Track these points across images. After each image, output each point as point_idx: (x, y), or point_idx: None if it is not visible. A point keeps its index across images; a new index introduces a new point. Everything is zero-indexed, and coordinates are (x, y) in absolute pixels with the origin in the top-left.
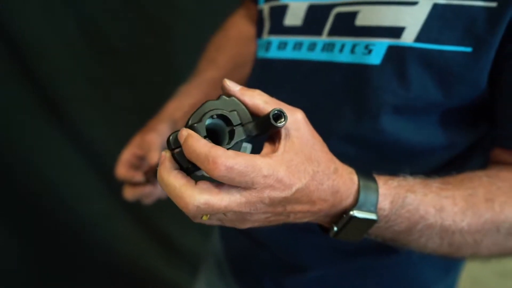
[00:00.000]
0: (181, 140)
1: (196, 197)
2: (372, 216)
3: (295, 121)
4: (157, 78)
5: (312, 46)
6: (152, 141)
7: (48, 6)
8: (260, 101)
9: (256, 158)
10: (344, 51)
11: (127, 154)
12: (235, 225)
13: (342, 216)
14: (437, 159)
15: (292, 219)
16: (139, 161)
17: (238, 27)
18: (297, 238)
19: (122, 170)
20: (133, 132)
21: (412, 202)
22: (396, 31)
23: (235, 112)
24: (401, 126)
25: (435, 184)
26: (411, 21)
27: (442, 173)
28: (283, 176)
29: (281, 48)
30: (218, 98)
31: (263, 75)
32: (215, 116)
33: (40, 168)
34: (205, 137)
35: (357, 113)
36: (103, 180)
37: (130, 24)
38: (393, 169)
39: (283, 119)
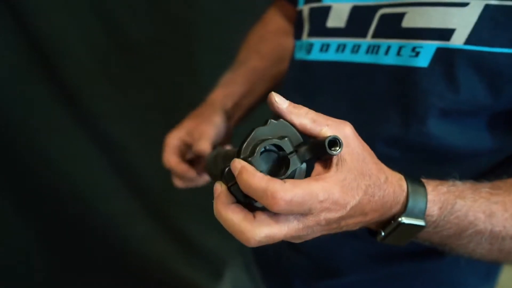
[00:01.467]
0: (235, 173)
1: (256, 232)
2: (420, 222)
3: (345, 137)
4: (179, 77)
5: (356, 48)
6: (206, 131)
7: (71, 4)
8: (307, 120)
9: (311, 185)
10: (390, 53)
11: (175, 139)
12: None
13: (390, 222)
14: (483, 162)
15: (344, 229)
16: (186, 148)
17: (277, 21)
18: (337, 243)
19: (172, 159)
20: (154, 131)
21: (461, 208)
22: (446, 33)
23: (287, 139)
24: (447, 129)
25: (484, 189)
26: (461, 22)
27: (489, 176)
28: (338, 198)
29: (323, 50)
30: (266, 123)
31: (304, 77)
32: (268, 147)
33: (61, 167)
34: (260, 171)
35: (403, 116)
36: (124, 179)
37: (152, 22)
38: (438, 172)
39: (338, 147)
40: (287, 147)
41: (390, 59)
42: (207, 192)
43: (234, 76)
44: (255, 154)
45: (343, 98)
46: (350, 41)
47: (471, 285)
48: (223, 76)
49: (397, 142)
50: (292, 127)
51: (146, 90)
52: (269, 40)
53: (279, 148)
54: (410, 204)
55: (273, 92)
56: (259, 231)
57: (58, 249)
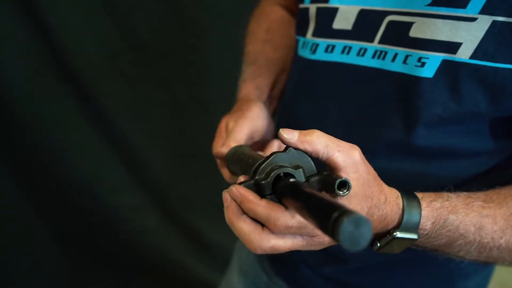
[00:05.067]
0: (236, 199)
1: (263, 243)
2: (413, 236)
3: (354, 163)
4: (188, 74)
5: (362, 52)
6: (240, 130)
7: (83, 2)
8: (321, 146)
9: None
10: (397, 60)
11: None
12: None
13: (386, 236)
14: (482, 162)
15: None
16: None
17: (277, 11)
18: None
19: (226, 173)
20: (165, 127)
21: (453, 223)
22: (452, 46)
23: (301, 170)
24: (448, 134)
25: (477, 202)
26: (468, 37)
27: (486, 176)
28: None
29: (328, 51)
30: (286, 149)
31: (309, 76)
32: (281, 174)
33: (72, 161)
34: (270, 194)
35: (406, 123)
36: (134, 174)
37: (163, 21)
38: (437, 171)
39: (346, 190)
40: (300, 177)
41: (396, 66)
42: (215, 187)
43: (256, 69)
44: (268, 179)
45: (347, 100)
46: (356, 44)
47: (469, 270)
48: (244, 71)
49: (399, 145)
50: (308, 157)
51: (156, 86)
52: (277, 31)
53: (292, 176)
54: (404, 220)
55: (280, 130)
56: (266, 242)
57: (66, 241)
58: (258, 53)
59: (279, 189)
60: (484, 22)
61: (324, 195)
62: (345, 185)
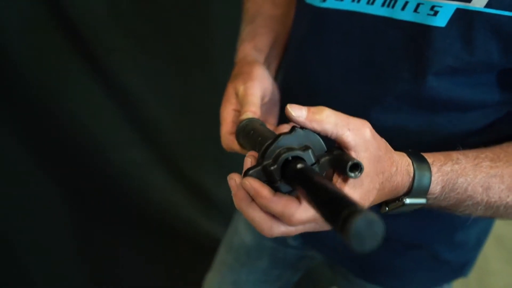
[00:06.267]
0: (250, 192)
1: (274, 229)
2: (422, 200)
3: (364, 142)
4: (192, 28)
5: (371, 0)
6: (249, 93)
7: None
8: (330, 125)
9: None
10: (407, 9)
11: (229, 115)
12: None
13: (395, 201)
14: (490, 113)
15: None
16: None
17: None
18: None
19: (230, 141)
20: (168, 82)
21: (461, 185)
22: None
23: (310, 152)
24: (457, 85)
25: (485, 162)
26: None
27: (493, 129)
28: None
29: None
30: (292, 130)
31: (317, 24)
32: (290, 158)
33: (76, 116)
34: (279, 180)
35: (415, 73)
36: (138, 130)
37: None
38: (445, 124)
39: (358, 172)
40: (309, 159)
41: (407, 15)
42: (219, 145)
43: (255, 28)
44: (276, 165)
45: (355, 50)
46: None
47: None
48: (242, 30)
49: (408, 97)
50: (316, 135)
51: (162, 42)
52: None
53: (301, 159)
54: (415, 187)
55: (288, 106)
56: (277, 229)
57: (71, 198)
58: (257, 10)
59: (288, 174)
60: None
61: (335, 183)
62: (357, 167)
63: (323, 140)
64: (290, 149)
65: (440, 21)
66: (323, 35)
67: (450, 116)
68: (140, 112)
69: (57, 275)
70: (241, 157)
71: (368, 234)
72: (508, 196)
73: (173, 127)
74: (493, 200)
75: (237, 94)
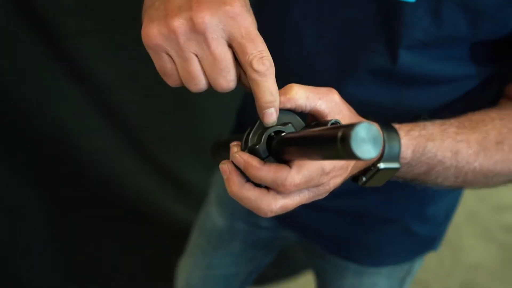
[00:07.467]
0: (240, 165)
1: (272, 205)
2: (396, 165)
3: (336, 106)
4: None
5: None
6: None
7: None
8: (301, 100)
9: (316, 162)
10: None
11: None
12: None
13: (370, 169)
14: (458, 88)
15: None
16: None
17: None
18: None
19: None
20: (138, 67)
21: (431, 150)
22: None
23: (290, 125)
24: (427, 59)
25: (451, 129)
26: None
27: (462, 102)
28: (344, 163)
29: None
30: None
31: (287, 2)
32: (272, 134)
33: (43, 103)
34: (267, 156)
35: (386, 47)
36: (108, 117)
37: None
38: (416, 98)
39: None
40: (290, 131)
41: None
42: (190, 128)
43: None
44: (261, 142)
45: (327, 26)
46: None
47: (436, 193)
48: None
49: (380, 70)
50: (292, 113)
51: (130, 25)
52: None
53: (283, 132)
54: (386, 151)
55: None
56: (275, 204)
57: (39, 184)
58: None
59: (275, 147)
60: None
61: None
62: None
63: (299, 117)
64: (271, 127)
65: None
66: (293, 12)
67: (421, 89)
68: (106, 96)
69: (34, 268)
70: (211, 138)
71: (369, 137)
72: (475, 161)
73: (141, 111)
74: (461, 165)
75: None
